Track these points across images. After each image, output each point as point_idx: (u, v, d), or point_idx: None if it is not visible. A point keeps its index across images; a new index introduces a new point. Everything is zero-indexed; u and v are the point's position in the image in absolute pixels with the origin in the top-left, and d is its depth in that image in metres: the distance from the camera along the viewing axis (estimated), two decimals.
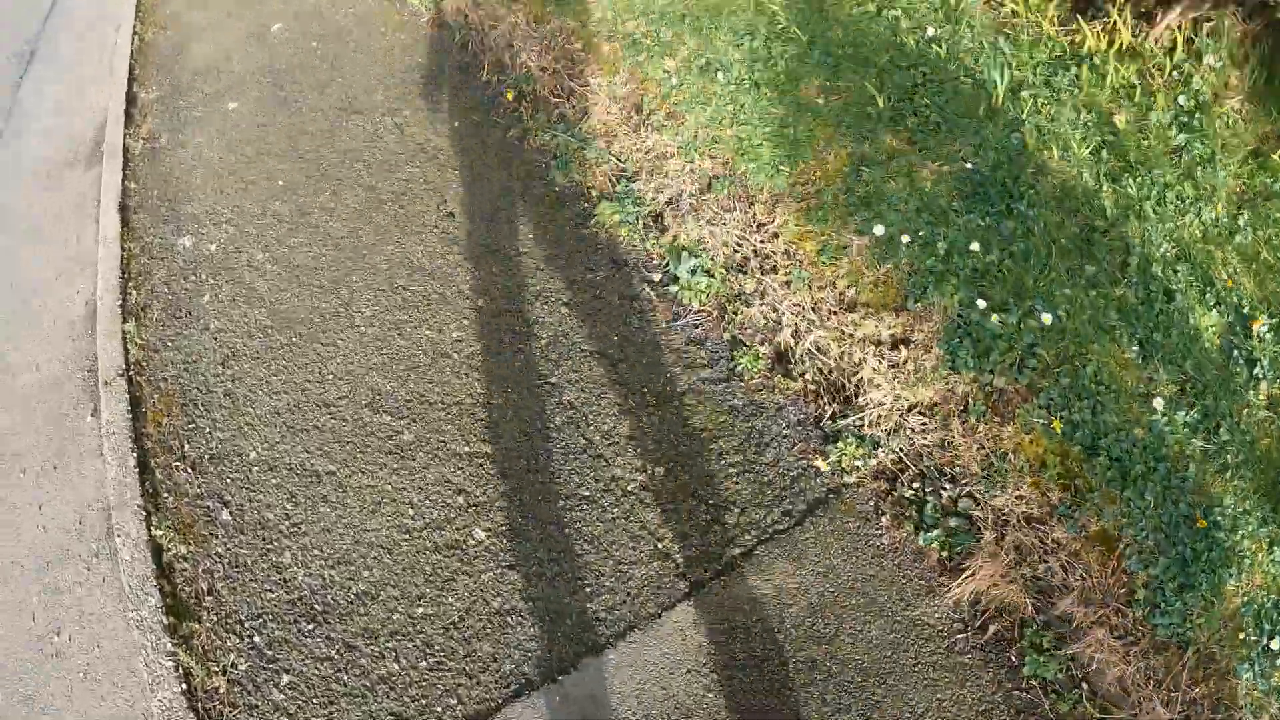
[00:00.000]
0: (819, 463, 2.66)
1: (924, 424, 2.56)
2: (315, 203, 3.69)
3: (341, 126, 4.01)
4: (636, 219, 3.16)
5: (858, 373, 2.67)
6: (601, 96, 3.33)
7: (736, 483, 2.72)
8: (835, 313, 2.74)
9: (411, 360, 3.04)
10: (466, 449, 2.82)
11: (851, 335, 2.70)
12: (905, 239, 2.70)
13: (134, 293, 3.57)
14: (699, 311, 2.98)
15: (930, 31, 3.17)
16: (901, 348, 2.66)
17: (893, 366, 2.64)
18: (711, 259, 2.96)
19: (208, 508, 2.87)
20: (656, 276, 3.09)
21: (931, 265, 2.67)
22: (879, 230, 2.71)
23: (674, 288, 3.02)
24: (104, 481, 3.05)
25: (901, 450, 2.55)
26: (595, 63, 3.47)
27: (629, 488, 2.73)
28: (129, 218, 3.93)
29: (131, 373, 3.27)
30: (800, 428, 2.76)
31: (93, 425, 3.24)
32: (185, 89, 4.60)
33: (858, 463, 2.60)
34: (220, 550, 2.77)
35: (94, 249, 3.88)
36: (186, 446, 3.02)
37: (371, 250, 3.41)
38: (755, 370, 2.84)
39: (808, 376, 2.78)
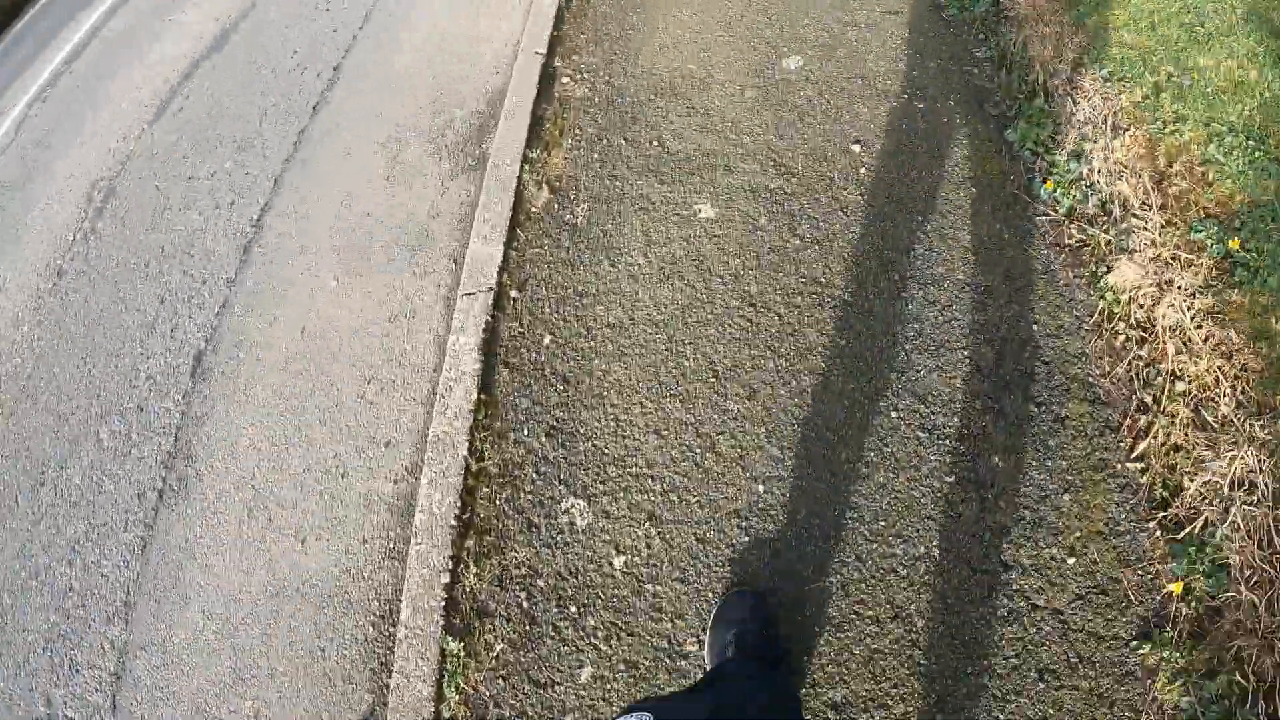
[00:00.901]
0: None
1: None
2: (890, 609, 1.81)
3: (907, 420, 2.01)
4: None
5: None
6: None
7: None
8: None
9: None
10: None
11: None
12: None
13: (467, 607, 1.84)
14: None
15: None
16: None
17: None
18: None
19: None
20: None
21: None
22: None
23: None
24: None
25: None
26: None
27: None
28: (494, 373, 2.17)
29: None
30: None
31: None
32: (632, 102, 2.66)
33: None
34: None
35: (427, 380, 2.18)
36: None
37: None
38: None
39: None
